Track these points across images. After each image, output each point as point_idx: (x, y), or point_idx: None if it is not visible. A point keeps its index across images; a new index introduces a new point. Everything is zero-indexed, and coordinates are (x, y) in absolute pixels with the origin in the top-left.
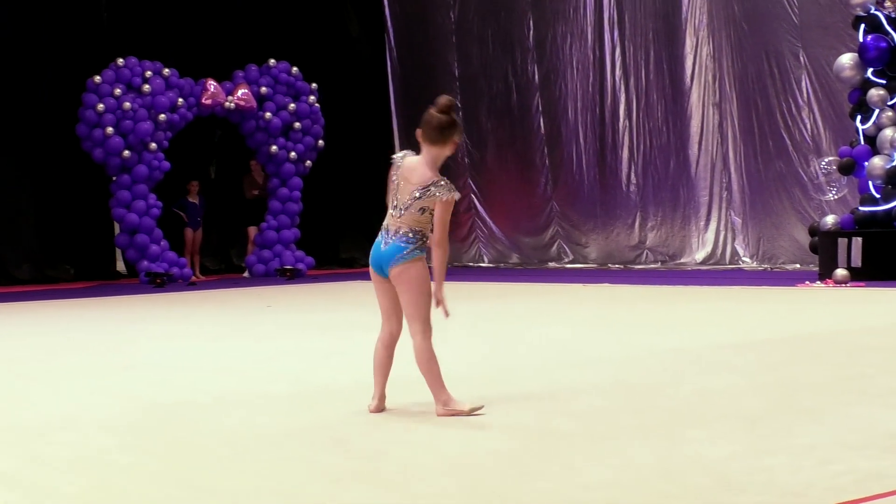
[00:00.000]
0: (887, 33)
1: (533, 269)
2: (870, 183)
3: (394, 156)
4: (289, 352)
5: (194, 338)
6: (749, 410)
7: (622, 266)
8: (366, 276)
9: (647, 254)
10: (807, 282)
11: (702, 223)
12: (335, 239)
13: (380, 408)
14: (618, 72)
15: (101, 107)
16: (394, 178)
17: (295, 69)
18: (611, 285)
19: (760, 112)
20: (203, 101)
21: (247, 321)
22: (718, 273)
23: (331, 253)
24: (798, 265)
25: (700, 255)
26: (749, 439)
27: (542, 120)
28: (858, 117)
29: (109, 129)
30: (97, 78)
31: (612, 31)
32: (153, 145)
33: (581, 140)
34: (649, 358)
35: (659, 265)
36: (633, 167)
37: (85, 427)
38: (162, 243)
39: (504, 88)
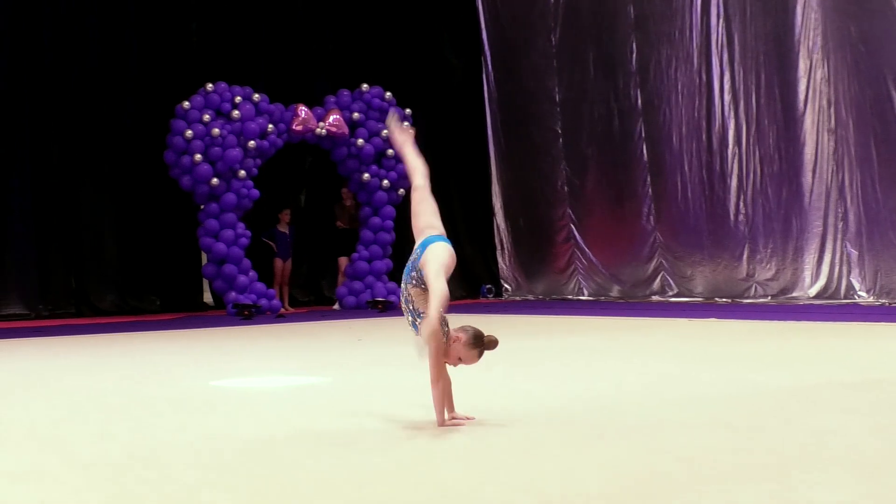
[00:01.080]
0: None
1: (635, 302)
2: None
3: None
4: (380, 387)
5: (283, 372)
6: (867, 454)
7: (730, 300)
8: (461, 309)
9: (756, 287)
10: None
11: (815, 255)
12: None
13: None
14: (726, 97)
15: (189, 133)
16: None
17: (388, 94)
18: (718, 320)
19: (879, 138)
20: (293, 127)
21: (337, 355)
22: (833, 308)
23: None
24: None
25: (813, 290)
26: (868, 485)
27: (645, 147)
28: None
29: (198, 156)
30: (186, 104)
31: (721, 53)
32: (242, 173)
33: (686, 168)
34: (758, 396)
35: (769, 299)
36: (742, 196)
37: (171, 464)
38: (250, 274)
39: (606, 114)
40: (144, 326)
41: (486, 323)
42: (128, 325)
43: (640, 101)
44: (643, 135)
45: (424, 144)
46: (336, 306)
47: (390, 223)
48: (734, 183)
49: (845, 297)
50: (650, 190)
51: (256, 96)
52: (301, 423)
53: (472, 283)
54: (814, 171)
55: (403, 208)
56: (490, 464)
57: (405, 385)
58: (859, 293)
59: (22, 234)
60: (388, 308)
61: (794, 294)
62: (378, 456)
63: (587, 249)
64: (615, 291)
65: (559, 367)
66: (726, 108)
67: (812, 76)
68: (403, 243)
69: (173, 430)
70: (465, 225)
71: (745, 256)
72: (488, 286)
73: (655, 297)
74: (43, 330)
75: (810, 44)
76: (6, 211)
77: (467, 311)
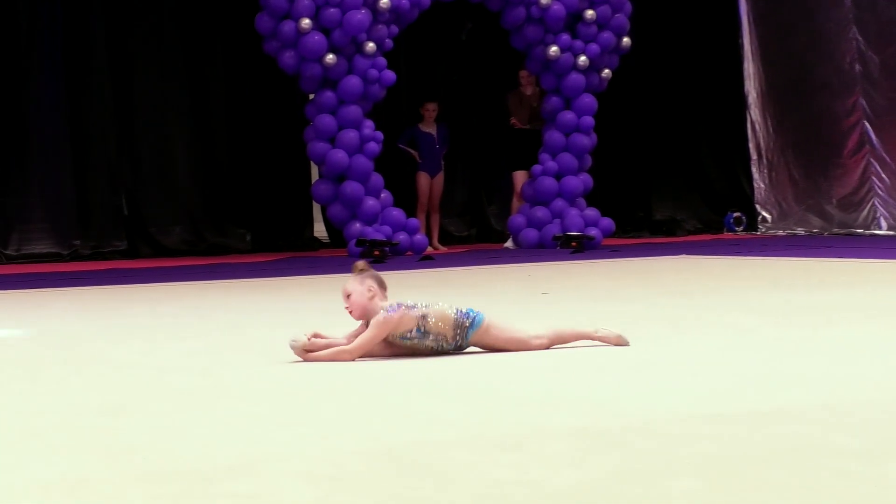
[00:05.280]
0: None
1: None
2: None
3: None
4: (571, 367)
5: None
6: None
7: None
8: (693, 249)
9: None
10: None
11: None
12: (646, 191)
13: None
14: None
15: None
16: None
17: None
18: None
19: None
20: None
21: (511, 316)
22: None
23: (639, 212)
24: None
25: None
26: None
27: None
28: None
29: (306, 22)
30: None
31: None
32: (370, 46)
33: None
34: None
35: None
36: None
37: (277, 474)
38: (382, 196)
39: None
40: (229, 272)
41: (730, 268)
42: (205, 271)
43: None
44: None
45: (639, 3)
46: (509, 244)
47: (589, 121)
48: None
49: None
50: None
51: None
52: (462, 418)
53: (715, 209)
54: None
55: (608, 99)
56: (735, 480)
57: (610, 363)
58: None
59: (49, 137)
60: (586, 247)
61: None
62: (568, 468)
63: (889, 160)
64: None
65: (844, 338)
66: None
67: None
68: (606, 151)
69: (282, 427)
70: (703, 123)
71: None
72: (736, 214)
73: None
74: (82, 277)
75: None
76: (24, 100)
77: (703, 250)
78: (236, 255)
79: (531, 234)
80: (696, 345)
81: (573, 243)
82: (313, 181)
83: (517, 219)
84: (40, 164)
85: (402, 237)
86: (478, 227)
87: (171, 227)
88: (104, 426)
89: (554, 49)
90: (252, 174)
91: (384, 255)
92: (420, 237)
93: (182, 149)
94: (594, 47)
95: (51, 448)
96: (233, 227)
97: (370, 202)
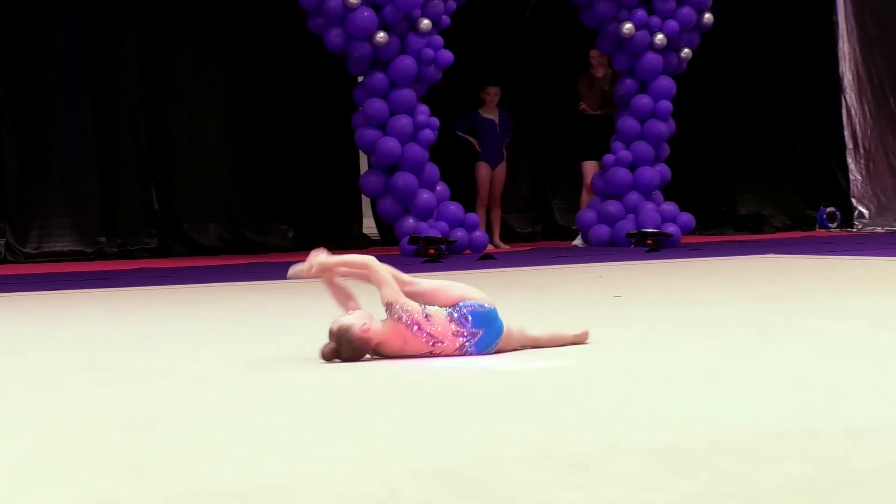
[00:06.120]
0: None
1: None
2: None
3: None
4: (652, 376)
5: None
6: None
7: None
8: (774, 247)
9: None
10: None
11: None
12: (730, 183)
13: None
14: None
15: None
16: None
17: None
18: None
19: None
20: None
21: (582, 321)
22: None
23: (722, 206)
24: None
25: None
26: None
27: None
28: None
29: None
30: None
31: None
32: (425, 23)
33: None
34: None
35: None
36: None
37: (321, 496)
38: (438, 189)
39: None
40: (268, 273)
41: (822, 269)
42: (241, 271)
43: None
44: None
45: None
46: (577, 241)
47: (667, 106)
48: None
49: None
50: None
51: None
52: (525, 434)
53: (806, 203)
54: None
55: (688, 82)
56: None
57: (689, 373)
58: None
59: (72, 124)
60: (664, 245)
61: None
62: (645, 491)
63: None
64: None
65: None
66: None
67: None
68: (686, 139)
69: (332, 442)
70: (793, 109)
71: None
72: (829, 209)
73: None
74: (108, 277)
75: None
76: (45, 84)
77: (793, 249)
78: (277, 254)
79: (602, 230)
80: (786, 354)
81: (649, 241)
82: (362, 172)
83: (587, 214)
84: (62, 153)
85: (459, 234)
86: (543, 223)
87: (206, 224)
88: (132, 442)
89: (628, 26)
90: (295, 165)
91: (440, 254)
92: (479, 234)
93: (218, 137)
94: (672, 24)
95: (74, 466)
96: (274, 224)
97: (425, 195)
